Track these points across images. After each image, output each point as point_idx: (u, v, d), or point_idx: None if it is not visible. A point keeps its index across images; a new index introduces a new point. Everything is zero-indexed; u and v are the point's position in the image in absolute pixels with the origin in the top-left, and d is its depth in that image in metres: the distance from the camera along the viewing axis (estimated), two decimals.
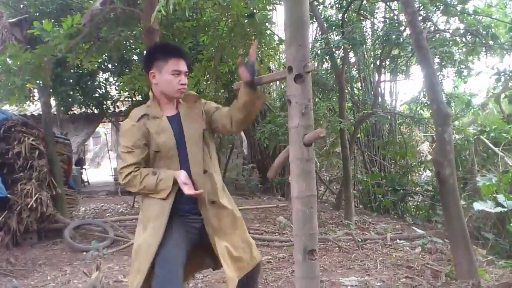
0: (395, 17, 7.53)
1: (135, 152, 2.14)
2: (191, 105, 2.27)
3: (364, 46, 7.94)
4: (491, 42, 6.09)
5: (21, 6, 6.26)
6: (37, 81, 4.98)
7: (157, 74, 2.16)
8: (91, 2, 5.46)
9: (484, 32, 6.09)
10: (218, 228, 2.18)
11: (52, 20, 5.19)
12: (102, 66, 8.22)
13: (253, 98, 2.01)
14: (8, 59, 4.25)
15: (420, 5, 6.11)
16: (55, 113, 8.95)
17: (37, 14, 5.89)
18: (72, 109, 9.05)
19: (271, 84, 11.50)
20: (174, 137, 2.16)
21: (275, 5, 7.18)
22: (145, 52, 2.33)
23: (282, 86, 10.55)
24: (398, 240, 5.42)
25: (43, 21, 4.27)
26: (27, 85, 4.57)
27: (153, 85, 2.20)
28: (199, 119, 2.24)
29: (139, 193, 2.19)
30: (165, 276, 1.98)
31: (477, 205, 5.11)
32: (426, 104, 8.03)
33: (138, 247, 2.12)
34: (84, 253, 5.03)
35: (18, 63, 4.20)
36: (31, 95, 7.26)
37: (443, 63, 7.10)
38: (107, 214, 7.97)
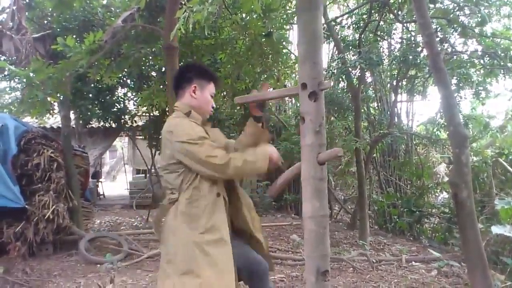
0: (412, 38, 7.53)
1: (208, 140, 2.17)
2: (209, 129, 2.37)
3: (381, 66, 7.94)
4: (509, 65, 6.06)
5: (45, 22, 6.42)
6: (58, 95, 5.09)
7: (198, 91, 2.31)
8: (113, 19, 5.59)
9: (502, 54, 6.07)
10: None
11: (75, 36, 5.32)
12: (121, 81, 8.35)
13: (257, 131, 2.28)
14: (31, 73, 4.36)
15: (438, 26, 6.12)
16: (74, 126, 9.09)
17: (60, 30, 6.03)
18: (91, 122, 9.18)
19: (287, 101, 11.56)
20: None
21: (292, 24, 7.26)
22: (189, 65, 2.60)
23: (298, 104, 10.58)
24: (413, 262, 5.35)
25: (66, 37, 4.39)
26: (49, 99, 4.68)
27: (191, 98, 2.30)
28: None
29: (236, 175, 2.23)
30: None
31: (495, 229, 5.00)
32: (443, 125, 7.97)
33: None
34: (98, 265, 5.06)
35: (41, 77, 4.31)
36: (51, 108, 7.40)
37: (460, 85, 7.06)
38: (122, 228, 8.02)
